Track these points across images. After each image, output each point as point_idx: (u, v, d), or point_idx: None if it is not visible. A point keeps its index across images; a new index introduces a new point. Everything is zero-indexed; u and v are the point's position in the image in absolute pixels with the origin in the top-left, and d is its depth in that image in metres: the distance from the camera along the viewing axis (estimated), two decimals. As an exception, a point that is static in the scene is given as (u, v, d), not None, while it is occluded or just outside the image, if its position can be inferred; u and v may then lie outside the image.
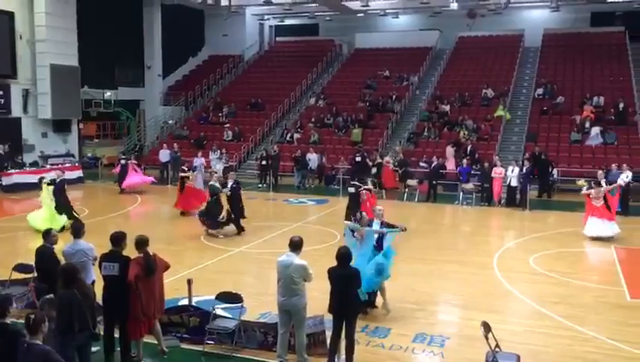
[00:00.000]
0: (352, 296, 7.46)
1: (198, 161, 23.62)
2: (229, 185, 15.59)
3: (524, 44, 33.56)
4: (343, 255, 7.48)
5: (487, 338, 7.00)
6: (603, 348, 8.35)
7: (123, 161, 23.44)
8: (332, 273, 7.47)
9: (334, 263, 7.51)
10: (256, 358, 7.96)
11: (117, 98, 31.73)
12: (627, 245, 14.69)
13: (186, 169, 19.71)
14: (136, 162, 23.95)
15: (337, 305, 7.40)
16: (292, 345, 7.74)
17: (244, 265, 12.91)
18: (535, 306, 10.12)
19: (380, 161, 23.66)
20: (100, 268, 7.75)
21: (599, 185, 15.84)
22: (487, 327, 7.10)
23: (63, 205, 15.48)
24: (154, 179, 23.76)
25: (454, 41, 35.26)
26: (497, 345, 7.13)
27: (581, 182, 18.25)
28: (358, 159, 23.64)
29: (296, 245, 7.56)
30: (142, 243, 7.65)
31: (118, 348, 7.78)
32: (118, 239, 7.76)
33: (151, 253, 7.63)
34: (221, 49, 37.94)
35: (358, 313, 7.59)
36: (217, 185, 15.67)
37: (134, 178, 23.05)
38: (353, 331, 7.48)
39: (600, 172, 17.42)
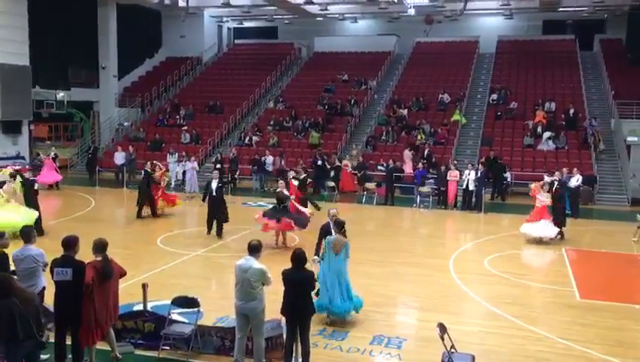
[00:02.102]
0: (306, 299, 7.44)
1: (190, 164, 23.27)
2: (213, 186, 15.23)
3: (479, 51, 34.33)
4: (298, 257, 7.47)
5: (442, 339, 7.09)
6: (555, 347, 8.57)
7: (41, 158, 24.00)
8: (286, 275, 7.45)
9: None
10: (213, 363, 7.87)
11: (70, 99, 30.86)
12: (577, 246, 15.16)
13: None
14: (51, 157, 24.09)
15: (291, 308, 7.39)
16: (250, 350, 7.67)
17: (201, 269, 12.74)
18: (489, 307, 10.32)
19: (338, 164, 23.79)
20: (52, 274, 7.52)
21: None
22: (442, 328, 7.20)
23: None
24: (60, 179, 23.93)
25: (412, 46, 35.81)
26: (453, 346, 7.24)
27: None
28: (319, 163, 23.70)
29: (254, 249, 7.51)
30: (101, 246, 7.46)
31: (70, 356, 7.58)
32: (70, 243, 7.53)
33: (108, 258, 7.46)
34: (179, 50, 37.46)
35: (312, 315, 7.55)
36: (286, 191, 15.13)
37: (49, 175, 23.31)
38: (308, 334, 7.47)
39: (546, 177, 17.80)
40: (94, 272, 7.27)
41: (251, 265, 7.36)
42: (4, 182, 15.61)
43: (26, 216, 13.94)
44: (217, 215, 15.24)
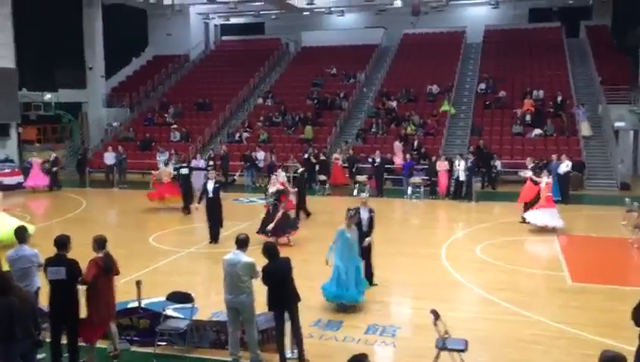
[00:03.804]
0: (288, 287, 7.46)
1: (198, 162, 22.82)
2: (209, 188, 14.29)
3: (467, 41, 34.38)
4: (269, 249, 7.51)
5: (436, 325, 7.17)
6: (547, 330, 8.67)
7: (30, 160, 24.08)
8: (265, 269, 7.43)
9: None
10: (209, 357, 7.90)
11: (58, 100, 30.65)
12: (568, 232, 15.27)
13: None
14: (41, 161, 23.96)
15: (275, 299, 7.43)
16: (245, 342, 7.72)
17: (194, 266, 12.77)
18: (482, 293, 10.42)
19: (323, 158, 23.77)
20: (46, 273, 7.54)
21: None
22: (436, 315, 7.27)
23: None
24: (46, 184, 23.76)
25: (399, 38, 35.81)
26: (446, 332, 7.31)
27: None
28: (305, 156, 23.69)
29: (242, 243, 7.54)
30: (102, 242, 7.57)
31: (66, 354, 7.59)
32: (63, 242, 7.56)
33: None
34: (165, 49, 37.27)
35: (297, 303, 7.55)
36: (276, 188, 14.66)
37: (35, 179, 23.47)
38: (298, 322, 7.52)
39: (528, 159, 17.87)
40: (97, 268, 7.33)
41: (240, 259, 7.40)
42: None
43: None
44: (214, 218, 14.25)
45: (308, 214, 17.40)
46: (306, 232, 14.90)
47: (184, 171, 18.73)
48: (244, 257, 7.46)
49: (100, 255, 7.48)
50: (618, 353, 4.36)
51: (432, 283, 11.00)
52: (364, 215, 10.47)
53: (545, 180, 15.44)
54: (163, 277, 11.26)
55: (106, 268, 7.43)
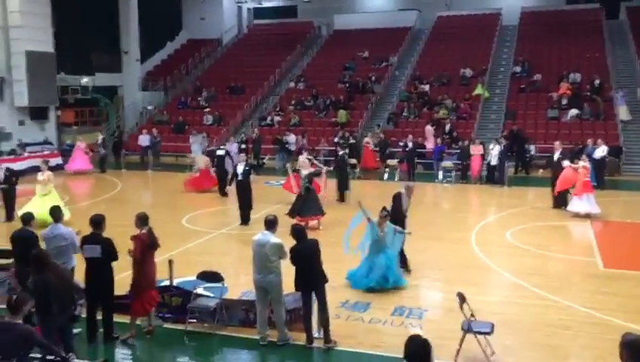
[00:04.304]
0: (315, 268, 7.57)
1: (231, 146, 22.10)
2: (239, 170, 14.52)
3: (502, 23, 33.74)
4: (297, 231, 7.65)
5: (462, 308, 7.20)
6: (576, 315, 8.61)
7: (69, 142, 24.46)
8: (294, 250, 7.59)
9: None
10: (238, 335, 8.10)
11: (94, 84, 31.34)
12: (603, 218, 14.99)
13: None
14: (85, 145, 24.19)
15: (302, 280, 7.57)
16: (273, 321, 7.88)
17: (226, 247, 13.01)
18: (511, 278, 10.37)
19: (352, 141, 23.78)
20: (82, 251, 7.82)
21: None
22: (462, 298, 7.29)
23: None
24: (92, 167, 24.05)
25: (433, 20, 35.31)
26: (472, 315, 7.33)
27: None
28: (335, 140, 23.71)
29: (271, 224, 7.68)
30: (144, 219, 7.89)
31: (101, 329, 7.88)
32: (98, 222, 7.85)
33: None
34: (199, 33, 37.62)
35: (324, 283, 7.64)
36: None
37: (78, 162, 23.66)
38: (324, 303, 7.62)
39: (557, 142, 17.63)
40: (141, 244, 7.60)
41: (269, 240, 7.53)
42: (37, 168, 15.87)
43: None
44: (244, 200, 14.42)
45: (342, 199, 17.46)
46: (335, 215, 14.98)
47: (220, 153, 19.00)
48: (273, 238, 7.59)
49: (144, 231, 7.75)
50: (636, 336, 4.33)
51: (461, 267, 10.98)
52: (405, 202, 10.53)
53: (582, 164, 15.19)
54: (195, 258, 11.49)
55: (150, 244, 7.74)
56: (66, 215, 13.86)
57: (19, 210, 13.65)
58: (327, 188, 16.56)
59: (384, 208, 10.02)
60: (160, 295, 8.56)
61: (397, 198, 10.59)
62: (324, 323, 7.62)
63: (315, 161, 16.79)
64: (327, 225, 14.12)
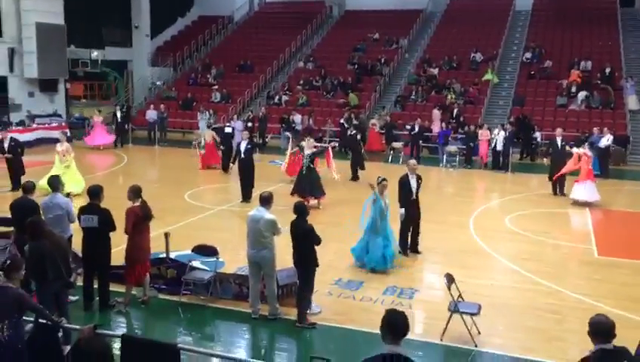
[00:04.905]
0: (308, 249, 7.65)
1: (235, 124, 22.01)
2: (242, 148, 14.58)
3: (515, 8, 33.37)
4: (298, 208, 7.74)
5: (449, 288, 7.31)
6: (565, 300, 8.69)
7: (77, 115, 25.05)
8: (292, 226, 7.72)
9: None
10: (231, 308, 8.26)
11: (104, 58, 31.42)
12: (603, 206, 14.99)
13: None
14: (101, 119, 24.10)
15: (296, 256, 7.69)
16: (265, 296, 8.02)
17: (225, 223, 13.16)
18: (506, 262, 10.46)
19: (355, 122, 23.72)
20: (79, 221, 7.98)
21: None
22: (450, 279, 7.41)
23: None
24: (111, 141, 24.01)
25: (445, 3, 34.99)
26: (460, 296, 7.45)
27: None
28: (346, 125, 23.67)
29: (265, 200, 7.78)
30: (137, 192, 8.00)
31: (97, 298, 8.06)
32: (95, 192, 8.01)
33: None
34: (210, 9, 37.47)
35: (311, 267, 7.70)
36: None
37: (99, 137, 23.61)
38: (306, 284, 7.67)
39: (559, 130, 17.59)
40: (135, 216, 7.74)
41: (263, 216, 7.65)
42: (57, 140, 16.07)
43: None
44: (246, 177, 14.50)
45: (356, 178, 17.74)
46: (338, 195, 15.11)
47: (228, 130, 19.11)
48: (267, 214, 7.70)
49: (137, 204, 7.89)
50: (606, 317, 4.44)
51: (458, 251, 11.06)
52: (414, 183, 10.57)
53: (583, 151, 15.16)
54: (194, 232, 11.62)
55: (144, 216, 7.88)
56: (80, 187, 14.24)
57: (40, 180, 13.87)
58: (334, 166, 16.52)
59: (379, 177, 10.20)
60: (156, 267, 8.73)
61: (404, 183, 10.52)
62: (298, 302, 7.71)
63: (318, 144, 16.87)
64: (328, 205, 14.23)
